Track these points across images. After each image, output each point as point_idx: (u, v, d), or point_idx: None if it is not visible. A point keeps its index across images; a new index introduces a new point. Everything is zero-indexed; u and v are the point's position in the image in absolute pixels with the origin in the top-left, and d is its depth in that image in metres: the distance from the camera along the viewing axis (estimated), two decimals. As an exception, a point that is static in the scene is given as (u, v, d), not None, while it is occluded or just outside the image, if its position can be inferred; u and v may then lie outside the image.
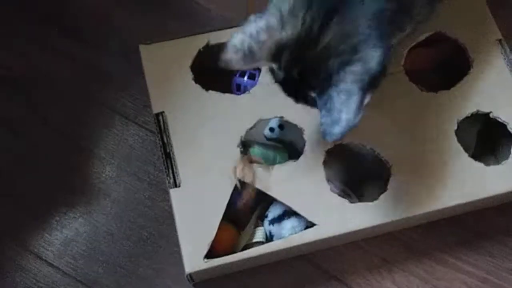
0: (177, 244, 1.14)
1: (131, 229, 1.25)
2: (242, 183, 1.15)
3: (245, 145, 1.19)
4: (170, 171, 1.16)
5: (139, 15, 1.44)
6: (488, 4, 1.28)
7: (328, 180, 1.15)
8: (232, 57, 0.99)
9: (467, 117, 1.20)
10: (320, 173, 1.15)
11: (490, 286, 1.22)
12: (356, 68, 0.95)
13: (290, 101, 1.06)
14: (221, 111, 1.19)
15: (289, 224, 1.18)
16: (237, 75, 1.28)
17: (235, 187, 1.15)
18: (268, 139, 1.24)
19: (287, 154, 1.22)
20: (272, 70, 1.03)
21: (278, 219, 1.19)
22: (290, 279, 1.22)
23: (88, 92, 1.37)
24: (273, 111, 1.19)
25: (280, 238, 1.16)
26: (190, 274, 1.12)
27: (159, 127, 1.19)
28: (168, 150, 1.17)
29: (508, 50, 1.24)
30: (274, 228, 1.19)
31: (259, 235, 1.21)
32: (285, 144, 1.23)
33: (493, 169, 1.17)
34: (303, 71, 0.98)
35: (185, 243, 1.12)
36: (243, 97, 1.21)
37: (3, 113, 1.35)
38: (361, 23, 0.96)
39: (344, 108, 0.94)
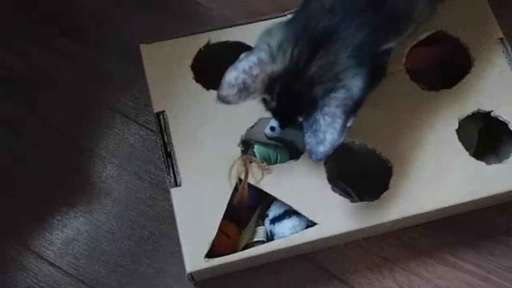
0: (178, 244, 1.13)
1: (132, 229, 1.25)
2: (239, 180, 1.15)
3: (245, 144, 1.19)
4: (171, 170, 1.16)
5: (140, 14, 1.44)
6: (489, 2, 1.28)
7: (329, 179, 1.15)
8: (228, 93, 1.04)
9: (468, 116, 1.20)
10: (321, 173, 1.15)
11: (491, 285, 1.21)
12: (339, 95, 1.03)
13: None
14: (222, 110, 1.18)
15: (290, 223, 1.18)
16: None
17: (236, 186, 1.15)
18: (269, 138, 1.23)
19: (288, 153, 1.22)
20: (264, 100, 1.10)
21: (279, 218, 1.19)
22: (291, 278, 1.22)
23: (89, 92, 1.37)
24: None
25: (281, 237, 1.15)
26: (191, 274, 1.12)
27: (160, 126, 1.19)
28: (168, 149, 1.17)
29: (509, 49, 1.24)
30: (275, 227, 1.19)
31: (260, 234, 1.21)
32: (286, 143, 1.23)
33: (494, 168, 1.17)
34: (292, 99, 1.06)
35: (186, 243, 1.12)
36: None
37: (3, 113, 1.35)
38: (342, 56, 1.05)
39: (328, 129, 1.02)
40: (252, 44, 1.19)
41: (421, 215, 1.16)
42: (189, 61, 1.22)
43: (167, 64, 1.23)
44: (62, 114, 1.35)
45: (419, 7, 1.11)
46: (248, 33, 1.23)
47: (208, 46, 1.24)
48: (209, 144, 1.18)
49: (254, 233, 1.21)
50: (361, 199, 1.18)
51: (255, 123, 1.19)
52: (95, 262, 1.23)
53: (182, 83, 1.21)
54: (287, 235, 1.15)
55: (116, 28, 1.42)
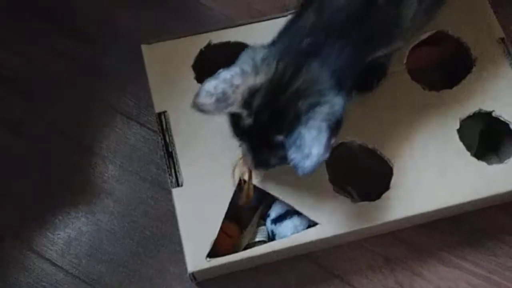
0: (179, 243, 1.13)
1: (134, 229, 1.25)
2: (242, 181, 1.15)
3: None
4: (173, 170, 1.16)
5: (141, 14, 1.44)
6: (490, 2, 1.28)
7: (330, 180, 1.15)
8: (205, 102, 1.02)
9: (469, 116, 1.20)
10: (322, 173, 1.15)
11: (493, 285, 1.22)
12: (324, 109, 1.01)
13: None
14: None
15: (291, 223, 1.18)
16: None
17: (240, 187, 1.15)
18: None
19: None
20: (234, 121, 1.06)
21: (280, 218, 1.19)
22: (292, 278, 1.22)
23: (90, 92, 1.37)
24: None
25: (282, 237, 1.15)
26: (192, 273, 1.12)
27: (161, 126, 1.19)
28: (170, 150, 1.17)
29: (510, 48, 1.24)
30: (276, 227, 1.19)
31: (261, 234, 1.21)
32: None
33: (495, 168, 1.18)
34: (273, 114, 1.02)
35: (188, 242, 1.12)
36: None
37: (3, 113, 1.35)
38: (325, 74, 1.03)
39: (315, 143, 0.99)
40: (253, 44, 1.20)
41: (422, 215, 1.16)
42: (191, 61, 1.22)
43: (168, 65, 1.23)
44: (63, 114, 1.35)
45: (411, 17, 1.11)
46: (250, 33, 1.23)
47: (209, 46, 1.23)
48: (211, 144, 1.17)
49: (255, 233, 1.22)
50: (362, 199, 1.17)
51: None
52: (96, 262, 1.23)
53: (183, 83, 1.21)
54: (289, 235, 1.15)
55: (117, 28, 1.42)
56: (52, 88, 1.37)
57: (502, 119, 1.20)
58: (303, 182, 1.15)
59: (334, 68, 1.04)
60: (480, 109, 1.20)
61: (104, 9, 1.44)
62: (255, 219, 1.22)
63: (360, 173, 1.24)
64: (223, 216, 1.13)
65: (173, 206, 1.16)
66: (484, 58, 1.23)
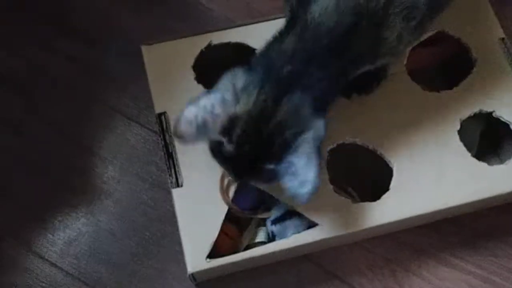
0: (179, 244, 1.13)
1: (134, 229, 1.25)
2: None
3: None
4: (172, 171, 1.16)
5: (141, 15, 1.43)
6: (490, 2, 1.28)
7: (331, 180, 1.15)
8: (186, 130, 1.01)
9: (470, 117, 1.20)
10: (322, 173, 1.15)
11: (492, 286, 1.21)
12: (310, 135, 1.02)
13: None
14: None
15: (291, 224, 1.18)
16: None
17: (237, 188, 1.15)
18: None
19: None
20: (214, 148, 1.06)
21: (281, 219, 1.19)
22: (292, 279, 1.22)
23: (89, 92, 1.37)
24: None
25: (283, 238, 1.15)
26: (192, 274, 1.12)
27: (161, 127, 1.19)
28: (170, 150, 1.17)
29: (511, 49, 1.24)
30: (276, 228, 1.19)
31: (261, 235, 1.21)
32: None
33: (496, 168, 1.17)
34: (256, 146, 1.03)
35: (188, 243, 1.12)
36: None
37: (3, 113, 1.35)
38: (308, 102, 1.03)
39: (308, 169, 1.00)
40: (253, 45, 1.20)
41: (422, 216, 1.16)
42: (191, 62, 1.22)
43: (168, 65, 1.23)
44: (63, 114, 1.35)
45: (390, 43, 1.09)
46: (250, 34, 1.23)
47: (209, 47, 1.23)
48: (211, 144, 1.17)
49: (255, 234, 1.22)
50: (362, 200, 1.17)
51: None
52: (96, 263, 1.23)
53: (183, 84, 1.21)
54: (289, 235, 1.15)
55: (117, 28, 1.42)
56: (52, 88, 1.37)
57: (502, 119, 1.19)
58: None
59: (315, 95, 1.04)
60: (481, 110, 1.20)
61: (104, 9, 1.44)
62: (255, 220, 1.22)
63: (360, 174, 1.24)
64: (223, 217, 1.13)
65: (173, 206, 1.16)
66: (484, 58, 1.23)
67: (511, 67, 1.23)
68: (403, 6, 1.06)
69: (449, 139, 1.18)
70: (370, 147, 1.18)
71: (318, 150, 1.02)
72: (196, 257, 1.11)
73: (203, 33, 1.25)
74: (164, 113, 1.19)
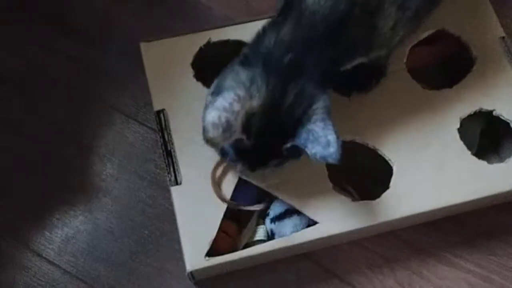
0: (178, 242, 1.13)
1: (132, 227, 1.25)
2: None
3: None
4: (171, 168, 1.15)
5: (141, 15, 1.43)
6: (491, 1, 1.28)
7: (330, 178, 1.15)
8: (214, 135, 1.01)
9: (470, 115, 1.19)
10: (322, 172, 1.15)
11: (492, 285, 1.21)
12: (319, 105, 1.05)
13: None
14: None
15: (290, 222, 1.17)
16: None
17: (237, 185, 1.15)
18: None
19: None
20: (224, 150, 1.09)
21: (280, 217, 1.19)
22: (291, 277, 1.22)
23: (89, 91, 1.36)
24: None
25: (282, 237, 1.15)
26: (191, 272, 1.12)
27: (160, 124, 1.19)
28: (169, 148, 1.17)
29: (511, 47, 1.24)
30: (275, 226, 1.19)
31: (260, 233, 1.21)
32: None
33: (496, 167, 1.17)
34: (271, 135, 1.05)
35: (186, 241, 1.12)
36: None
37: (3, 113, 1.35)
38: (311, 82, 1.06)
39: (327, 130, 1.02)
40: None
41: (422, 214, 1.16)
42: (190, 59, 1.22)
43: (167, 62, 1.23)
44: (63, 114, 1.35)
45: (385, 33, 1.11)
46: (249, 32, 1.22)
47: (208, 44, 1.23)
48: (210, 142, 1.17)
49: (254, 232, 1.21)
50: (362, 198, 1.17)
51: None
52: (94, 261, 1.22)
53: (182, 81, 1.21)
54: (288, 234, 1.15)
55: (116, 27, 1.42)
56: (52, 88, 1.37)
57: (502, 118, 1.19)
58: (303, 181, 1.15)
59: (317, 77, 1.06)
60: (481, 108, 1.20)
61: (104, 9, 1.44)
62: (254, 218, 1.22)
63: (360, 172, 1.24)
64: (222, 215, 1.13)
65: (171, 204, 1.15)
66: (484, 57, 1.23)
67: (511, 66, 1.23)
68: None
69: (449, 137, 1.18)
70: (370, 145, 1.17)
71: (330, 116, 1.04)
72: (195, 255, 1.11)
73: (202, 31, 1.25)
74: (163, 110, 1.19)
